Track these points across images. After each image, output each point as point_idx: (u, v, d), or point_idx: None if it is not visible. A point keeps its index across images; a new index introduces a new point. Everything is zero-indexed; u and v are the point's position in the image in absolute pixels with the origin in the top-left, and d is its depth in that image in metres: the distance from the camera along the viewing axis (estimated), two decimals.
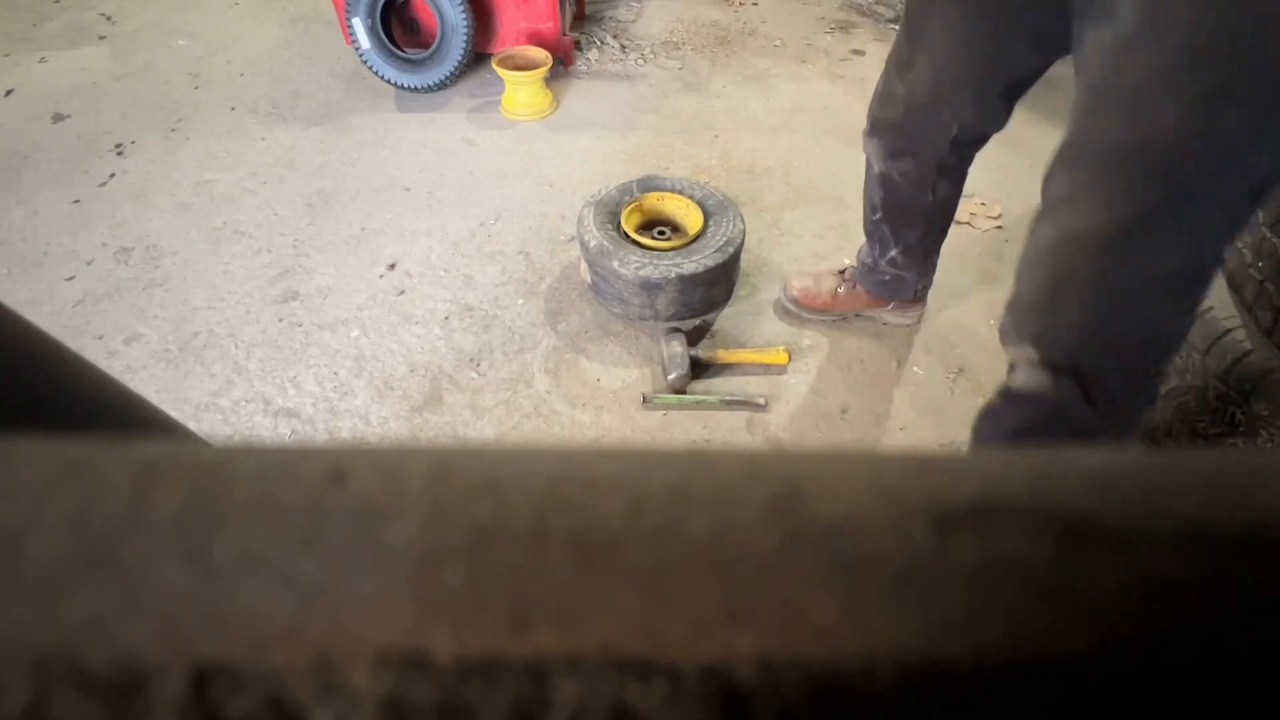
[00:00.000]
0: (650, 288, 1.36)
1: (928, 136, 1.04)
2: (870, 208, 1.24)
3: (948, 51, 0.94)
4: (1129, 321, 0.73)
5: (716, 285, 1.43)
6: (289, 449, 0.11)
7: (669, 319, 1.43)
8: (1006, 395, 0.86)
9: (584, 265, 1.45)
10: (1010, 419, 0.86)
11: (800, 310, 1.46)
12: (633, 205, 1.47)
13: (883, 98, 1.08)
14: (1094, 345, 0.75)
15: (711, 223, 1.44)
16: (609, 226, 1.42)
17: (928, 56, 0.97)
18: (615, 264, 1.35)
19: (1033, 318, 0.80)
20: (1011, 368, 0.86)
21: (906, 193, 1.13)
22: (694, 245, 1.40)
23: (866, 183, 1.22)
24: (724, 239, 1.39)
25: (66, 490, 0.10)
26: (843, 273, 1.44)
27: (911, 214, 1.16)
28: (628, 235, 1.42)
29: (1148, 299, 0.71)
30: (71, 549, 0.09)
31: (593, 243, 1.38)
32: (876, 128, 1.11)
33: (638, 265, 1.34)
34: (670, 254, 1.37)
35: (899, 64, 1.02)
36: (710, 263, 1.36)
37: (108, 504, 0.09)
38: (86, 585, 0.09)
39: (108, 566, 0.09)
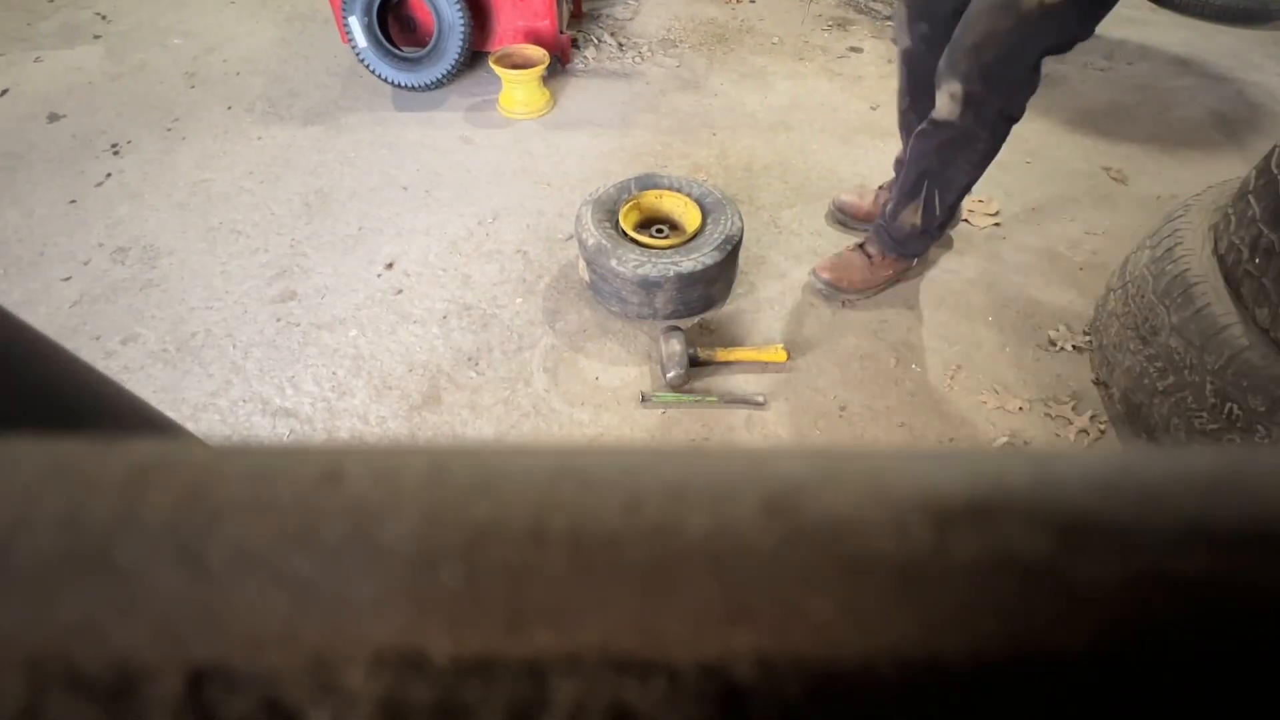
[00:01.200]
0: (649, 286, 1.36)
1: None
2: (901, 97, 1.48)
3: None
4: (1018, 69, 1.15)
5: (715, 283, 1.43)
6: (283, 448, 0.11)
7: (667, 317, 1.43)
8: (933, 123, 1.27)
9: (582, 264, 1.45)
10: (934, 138, 1.29)
11: (848, 219, 1.71)
12: (631, 203, 1.47)
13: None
14: (998, 84, 1.17)
15: (710, 221, 1.44)
16: (607, 225, 1.42)
17: None
18: (614, 262, 1.34)
19: (965, 58, 1.16)
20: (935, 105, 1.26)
21: (926, 64, 1.33)
22: (692, 243, 1.40)
23: (898, 76, 1.46)
24: (722, 237, 1.39)
25: (58, 491, 0.10)
26: (883, 187, 1.66)
27: (930, 89, 1.34)
28: (626, 234, 1.42)
29: (1031, 58, 1.13)
30: (63, 550, 0.09)
31: (591, 241, 1.38)
32: None
33: (636, 263, 1.34)
34: (668, 252, 1.37)
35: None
36: (708, 261, 1.36)
37: (99, 504, 0.09)
38: (79, 587, 0.09)
39: (100, 567, 0.09)
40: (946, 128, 1.25)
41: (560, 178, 1.85)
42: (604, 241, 1.37)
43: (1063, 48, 1.14)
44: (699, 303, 1.45)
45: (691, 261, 1.35)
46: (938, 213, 1.39)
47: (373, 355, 1.39)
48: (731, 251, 1.39)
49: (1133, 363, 1.19)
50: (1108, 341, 1.29)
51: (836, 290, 1.51)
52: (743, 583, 0.09)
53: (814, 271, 1.53)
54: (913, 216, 1.42)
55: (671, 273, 1.34)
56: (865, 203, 1.67)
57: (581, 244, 1.41)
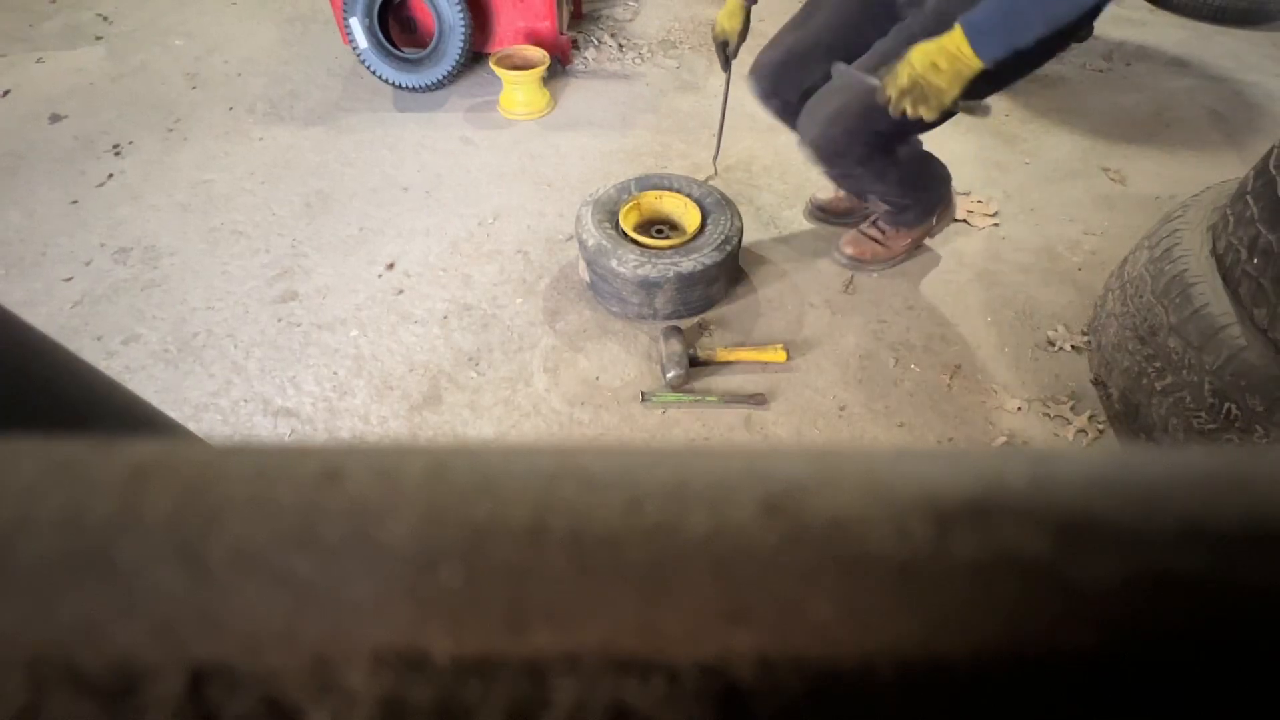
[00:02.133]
0: (649, 286, 1.35)
1: (791, 83, 1.38)
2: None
3: (830, 27, 1.34)
4: (859, 145, 1.27)
5: (714, 284, 1.43)
6: (283, 448, 0.11)
7: (667, 317, 1.43)
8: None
9: (582, 264, 1.45)
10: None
11: (828, 217, 1.72)
12: (631, 204, 1.47)
13: (771, 45, 1.41)
14: (843, 154, 1.29)
15: (709, 221, 1.44)
16: (607, 225, 1.42)
17: (817, 22, 1.35)
18: (614, 263, 1.34)
19: (812, 128, 1.28)
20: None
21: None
22: (692, 244, 1.40)
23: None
24: (722, 237, 1.39)
25: (59, 490, 0.10)
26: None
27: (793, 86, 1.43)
28: (626, 234, 1.42)
29: (877, 137, 1.26)
30: (64, 550, 0.09)
31: (591, 242, 1.38)
32: (756, 69, 1.43)
33: (636, 264, 1.34)
34: (669, 253, 1.37)
35: (793, 24, 1.40)
36: (708, 261, 1.36)
37: (100, 504, 0.09)
38: (80, 586, 0.09)
39: (101, 567, 0.09)
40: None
41: (560, 178, 1.85)
42: (604, 242, 1.37)
43: (906, 134, 1.27)
44: (699, 303, 1.45)
45: (691, 262, 1.35)
46: (898, 195, 1.42)
47: (373, 355, 1.39)
48: (731, 252, 1.39)
49: (1131, 363, 1.19)
50: (1106, 341, 1.29)
51: (861, 263, 1.57)
52: (743, 583, 0.09)
53: (837, 248, 1.58)
54: (880, 204, 1.47)
55: (671, 273, 1.34)
56: (841, 197, 1.69)
57: (581, 244, 1.41)
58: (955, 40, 0.99)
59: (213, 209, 1.74)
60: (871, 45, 1.24)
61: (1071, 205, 1.79)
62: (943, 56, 1.00)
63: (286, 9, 2.61)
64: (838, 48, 1.28)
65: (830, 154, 1.29)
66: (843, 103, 1.23)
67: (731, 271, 1.48)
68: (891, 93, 1.07)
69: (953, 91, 1.03)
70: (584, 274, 1.47)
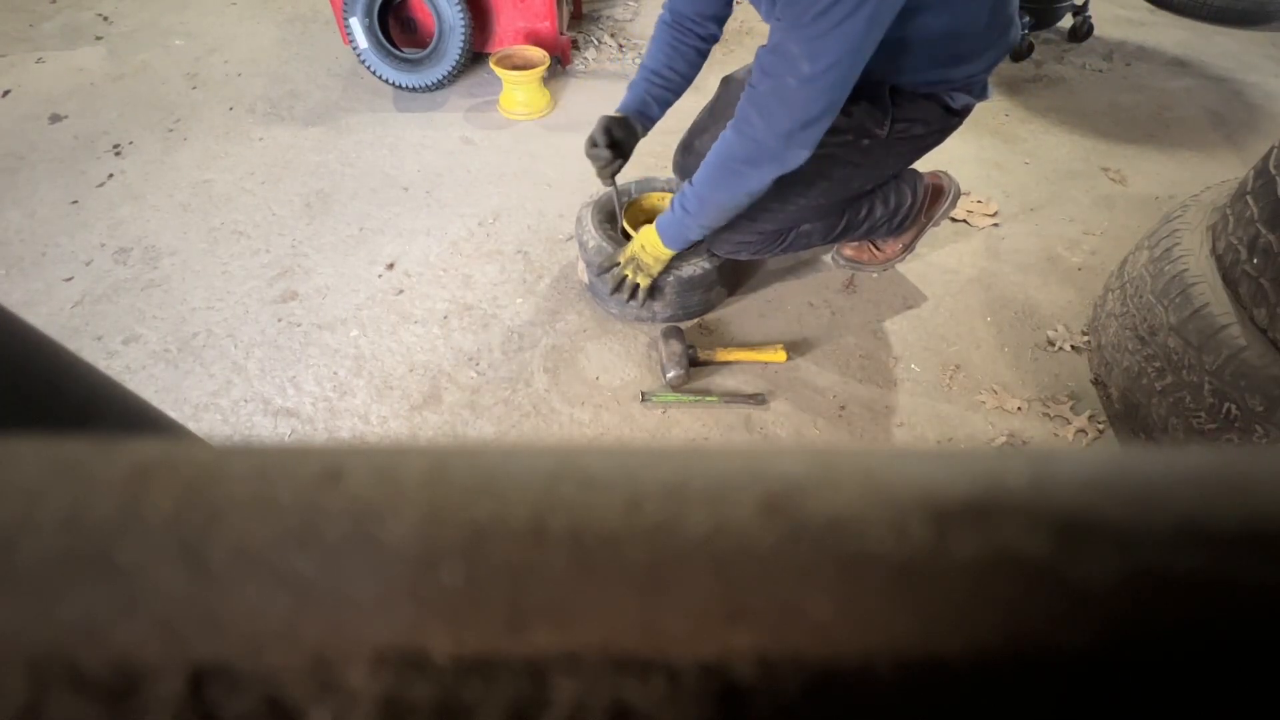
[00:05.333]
0: (649, 290, 1.35)
1: (696, 162, 1.34)
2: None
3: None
4: (752, 246, 1.33)
5: (713, 289, 1.43)
6: (284, 448, 0.11)
7: (665, 320, 1.43)
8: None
9: (581, 265, 1.45)
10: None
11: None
12: (631, 206, 1.46)
13: (683, 148, 1.44)
14: (750, 252, 1.34)
15: None
16: (608, 226, 1.42)
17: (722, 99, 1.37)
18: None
19: (719, 246, 1.33)
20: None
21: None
22: (693, 248, 1.40)
23: None
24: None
25: (60, 490, 0.10)
26: None
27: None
28: (628, 236, 1.42)
29: (755, 237, 1.30)
30: (65, 550, 0.09)
31: (591, 243, 1.38)
32: (676, 150, 1.47)
33: None
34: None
35: (695, 129, 1.42)
36: (708, 265, 1.36)
37: (101, 504, 0.09)
38: (81, 586, 0.09)
39: (102, 567, 0.09)
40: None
41: (561, 179, 1.85)
42: (605, 244, 1.37)
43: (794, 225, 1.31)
44: (699, 307, 1.45)
45: (692, 266, 1.35)
46: (861, 233, 1.41)
47: (374, 355, 1.39)
48: (696, 276, 1.37)
49: (1131, 363, 1.19)
50: (1106, 341, 1.29)
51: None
52: (742, 582, 0.09)
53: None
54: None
55: (671, 277, 1.34)
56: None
57: (582, 245, 1.41)
58: (652, 234, 1.28)
59: (213, 209, 1.74)
60: None
61: (1071, 205, 1.79)
62: (649, 242, 1.28)
63: (286, 9, 2.61)
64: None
65: (749, 254, 1.34)
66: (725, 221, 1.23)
67: (729, 277, 1.48)
68: (620, 259, 1.33)
69: (657, 268, 1.31)
70: (583, 275, 1.47)
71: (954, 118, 1.22)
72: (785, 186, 1.16)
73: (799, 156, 1.06)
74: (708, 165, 1.14)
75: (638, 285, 1.33)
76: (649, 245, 1.29)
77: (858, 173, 1.25)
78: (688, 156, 1.39)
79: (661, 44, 1.28)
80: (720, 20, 1.27)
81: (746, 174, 1.10)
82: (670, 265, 1.34)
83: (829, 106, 1.00)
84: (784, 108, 1.00)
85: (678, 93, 1.33)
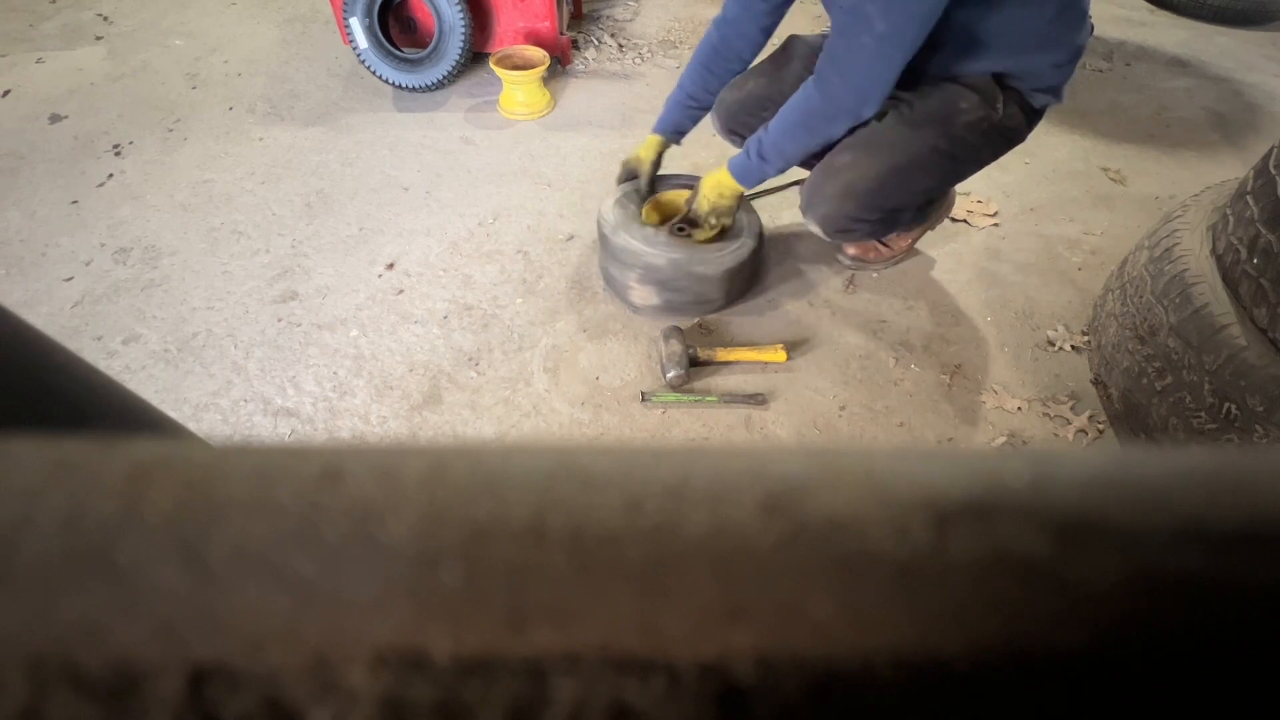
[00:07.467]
0: (703, 279, 1.38)
1: (746, 125, 1.44)
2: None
3: (798, 82, 1.31)
4: (861, 222, 1.32)
5: (738, 276, 1.45)
6: (284, 448, 0.11)
7: (721, 309, 1.47)
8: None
9: (600, 258, 1.45)
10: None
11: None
12: (652, 202, 1.46)
13: (737, 84, 1.46)
14: (839, 230, 1.33)
15: (741, 212, 1.46)
16: (633, 223, 1.44)
17: (786, 76, 1.41)
18: (650, 254, 1.36)
19: (820, 204, 1.31)
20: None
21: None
22: (730, 236, 1.42)
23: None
24: (754, 229, 1.44)
25: (60, 490, 0.10)
26: None
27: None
28: (666, 217, 1.45)
29: (874, 212, 1.30)
30: (65, 549, 0.09)
31: (618, 237, 1.39)
32: (719, 105, 1.47)
33: (685, 259, 1.36)
34: (712, 246, 1.40)
35: (763, 69, 1.45)
36: (745, 253, 1.40)
37: (101, 504, 0.09)
38: (81, 586, 0.09)
39: (102, 567, 0.09)
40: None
41: (561, 179, 1.85)
42: (655, 235, 1.39)
43: (909, 205, 1.34)
44: (721, 299, 1.46)
45: (731, 256, 1.38)
46: (871, 212, 1.38)
47: (374, 355, 1.39)
48: (755, 249, 1.42)
49: (1131, 363, 1.19)
50: (1106, 341, 1.29)
51: (863, 263, 1.58)
52: (742, 582, 0.09)
53: (841, 249, 1.59)
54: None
55: (726, 264, 1.37)
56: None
57: (603, 239, 1.42)
58: (724, 177, 1.32)
59: (213, 209, 1.74)
60: None
61: (1071, 205, 1.79)
62: (723, 183, 1.33)
63: (286, 9, 2.61)
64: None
65: (835, 231, 1.33)
66: (851, 179, 1.25)
67: (749, 271, 1.49)
68: (701, 211, 1.36)
69: (734, 204, 1.36)
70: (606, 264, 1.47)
71: (1034, 117, 1.26)
72: (914, 165, 1.23)
73: (872, 110, 1.14)
74: (785, 119, 1.21)
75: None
76: (724, 188, 1.33)
77: (974, 156, 1.28)
78: (748, 118, 1.44)
79: (701, 67, 1.40)
80: (767, 31, 1.36)
81: (823, 128, 1.19)
82: (717, 253, 1.38)
83: (900, 64, 1.07)
84: (861, 65, 1.08)
85: (709, 109, 1.46)
